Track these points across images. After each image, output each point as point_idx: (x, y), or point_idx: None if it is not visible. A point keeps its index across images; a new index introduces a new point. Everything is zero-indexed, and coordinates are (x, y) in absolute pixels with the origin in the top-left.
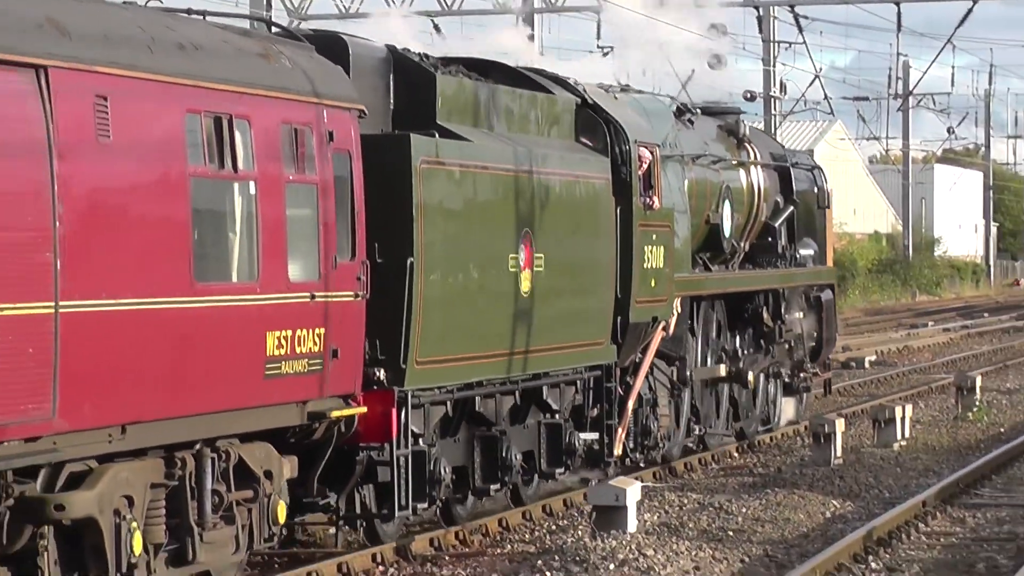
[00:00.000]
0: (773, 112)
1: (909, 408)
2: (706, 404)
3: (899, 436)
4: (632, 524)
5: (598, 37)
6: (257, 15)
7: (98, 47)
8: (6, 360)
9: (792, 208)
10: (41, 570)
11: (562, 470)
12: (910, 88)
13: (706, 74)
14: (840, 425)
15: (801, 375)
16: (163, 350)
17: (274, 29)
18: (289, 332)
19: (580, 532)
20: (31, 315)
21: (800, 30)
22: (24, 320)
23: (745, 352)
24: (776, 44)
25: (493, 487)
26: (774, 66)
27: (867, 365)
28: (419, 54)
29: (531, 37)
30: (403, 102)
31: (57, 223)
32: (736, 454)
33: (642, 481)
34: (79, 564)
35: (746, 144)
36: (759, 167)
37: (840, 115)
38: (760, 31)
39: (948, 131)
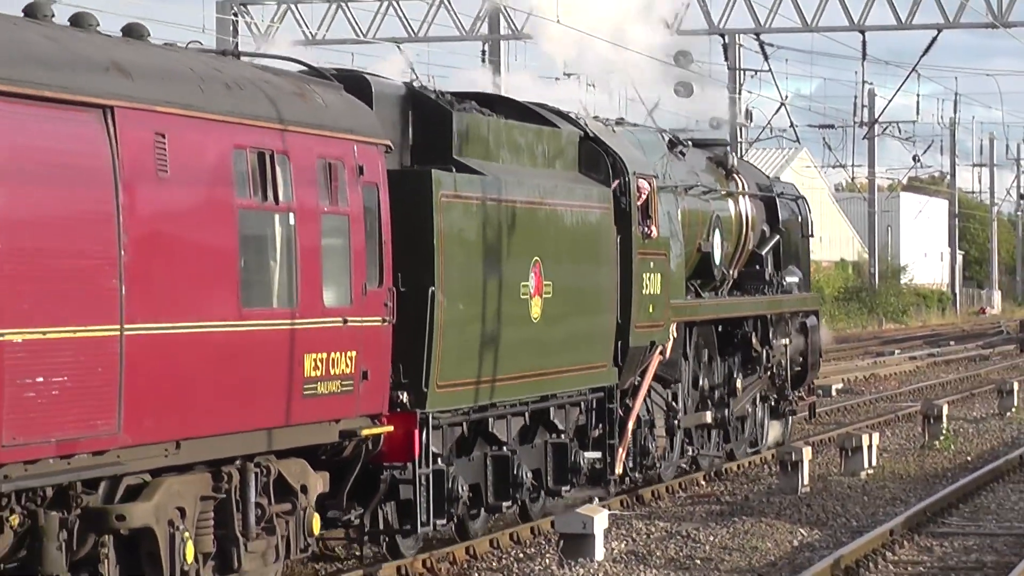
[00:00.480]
0: (739, 140)
1: (876, 436)
2: (698, 429)
3: (866, 464)
4: (599, 552)
5: (564, 64)
6: (287, 56)
7: (156, 87)
8: (79, 379)
9: (778, 237)
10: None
11: (568, 487)
12: (875, 116)
13: (672, 101)
14: (807, 453)
15: (787, 399)
16: (214, 371)
17: (300, 67)
18: (324, 354)
19: (548, 560)
20: (101, 337)
21: (766, 58)
22: (95, 342)
23: (731, 383)
24: (742, 72)
25: (505, 504)
26: (740, 94)
27: (834, 393)
28: (435, 91)
29: (496, 64)
30: (421, 137)
31: (122, 251)
32: (703, 482)
33: (609, 509)
34: (135, 571)
35: (734, 175)
36: (747, 197)
37: (806, 143)
38: (726, 59)
39: (914, 159)
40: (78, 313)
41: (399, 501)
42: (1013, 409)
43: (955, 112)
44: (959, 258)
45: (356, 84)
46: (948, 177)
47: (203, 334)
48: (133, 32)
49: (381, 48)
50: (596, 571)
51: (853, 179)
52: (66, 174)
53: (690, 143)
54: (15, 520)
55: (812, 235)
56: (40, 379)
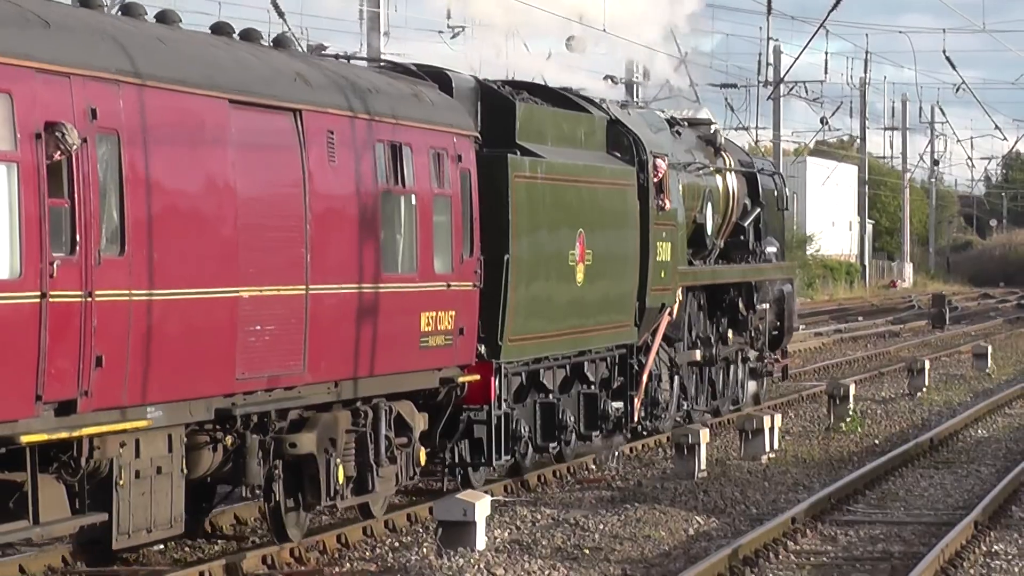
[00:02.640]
0: (634, 98)
1: (778, 418)
2: (692, 384)
3: (767, 448)
4: (481, 541)
5: (448, 17)
6: (375, 58)
7: (327, 94)
8: (280, 328)
9: (759, 209)
10: (275, 493)
11: (597, 432)
12: (781, 75)
13: (564, 55)
14: (704, 436)
15: (764, 360)
16: (361, 324)
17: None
18: (434, 313)
19: (425, 550)
20: (294, 295)
21: None
22: (291, 298)
23: (717, 338)
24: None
25: (552, 444)
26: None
27: None
28: (497, 83)
29: (377, 16)
30: (489, 124)
31: (308, 226)
32: (594, 466)
33: (492, 495)
34: (297, 490)
35: (722, 152)
36: (733, 173)
37: (706, 103)
38: None
39: (821, 122)
40: (281, 275)
41: (472, 440)
42: (924, 389)
43: (866, 72)
44: (869, 228)
45: (439, 79)
46: (858, 141)
47: (356, 294)
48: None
49: None
50: (477, 561)
51: (757, 142)
52: (273, 164)
53: (686, 124)
54: (229, 440)
55: (788, 208)
56: (258, 327)
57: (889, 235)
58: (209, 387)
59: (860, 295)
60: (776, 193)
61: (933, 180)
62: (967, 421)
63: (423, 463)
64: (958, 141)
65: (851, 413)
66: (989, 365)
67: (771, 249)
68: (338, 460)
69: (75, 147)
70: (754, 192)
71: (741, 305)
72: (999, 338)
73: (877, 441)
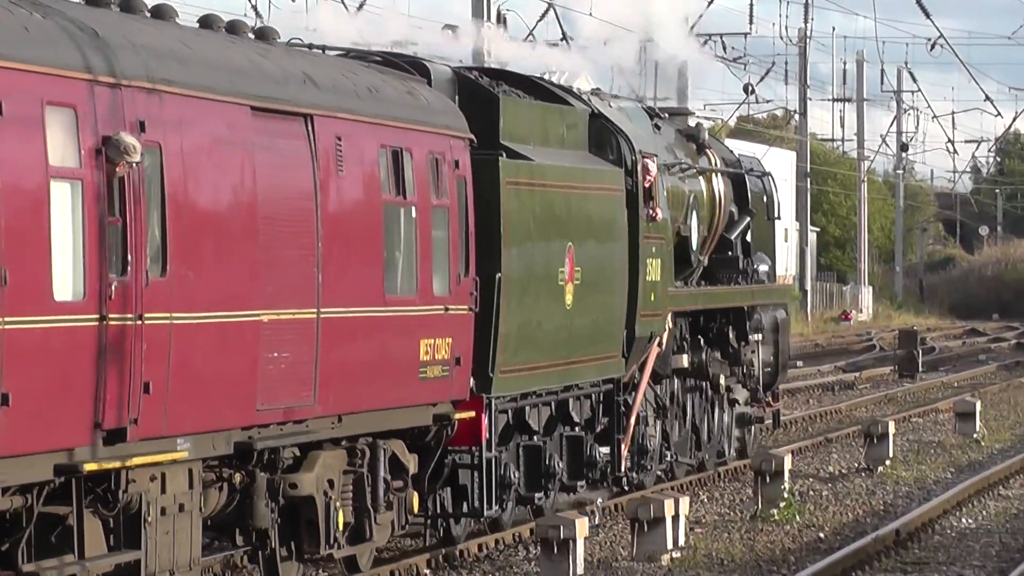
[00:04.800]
0: (485, 55)
1: (685, 502)
2: (675, 430)
3: (670, 544)
4: None
5: None
6: (350, 48)
7: (333, 96)
8: (294, 355)
9: (748, 219)
10: (271, 540)
11: (582, 483)
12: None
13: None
14: (582, 528)
15: (759, 402)
16: (365, 351)
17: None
18: (432, 340)
19: None
20: (306, 319)
21: None
22: (304, 323)
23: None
24: None
25: (537, 495)
26: None
27: None
28: (473, 71)
29: None
30: (468, 122)
31: (319, 243)
32: (427, 571)
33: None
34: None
35: (706, 150)
36: (719, 175)
37: (590, 66)
38: None
39: (745, 90)
40: (295, 297)
41: (456, 486)
42: (887, 463)
43: (806, 21)
44: (811, 238)
45: (417, 69)
46: (796, 117)
47: (361, 318)
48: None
49: None
50: None
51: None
52: (287, 174)
53: (667, 115)
54: (238, 478)
55: (779, 217)
56: (275, 354)
57: (839, 247)
58: (231, 418)
59: (800, 331)
60: (766, 199)
61: (901, 172)
62: (946, 506)
63: (416, 510)
64: (934, 118)
65: (786, 495)
66: (977, 428)
67: (763, 268)
68: (338, 504)
69: (137, 162)
70: (742, 198)
71: (732, 335)
72: (991, 391)
73: (822, 534)
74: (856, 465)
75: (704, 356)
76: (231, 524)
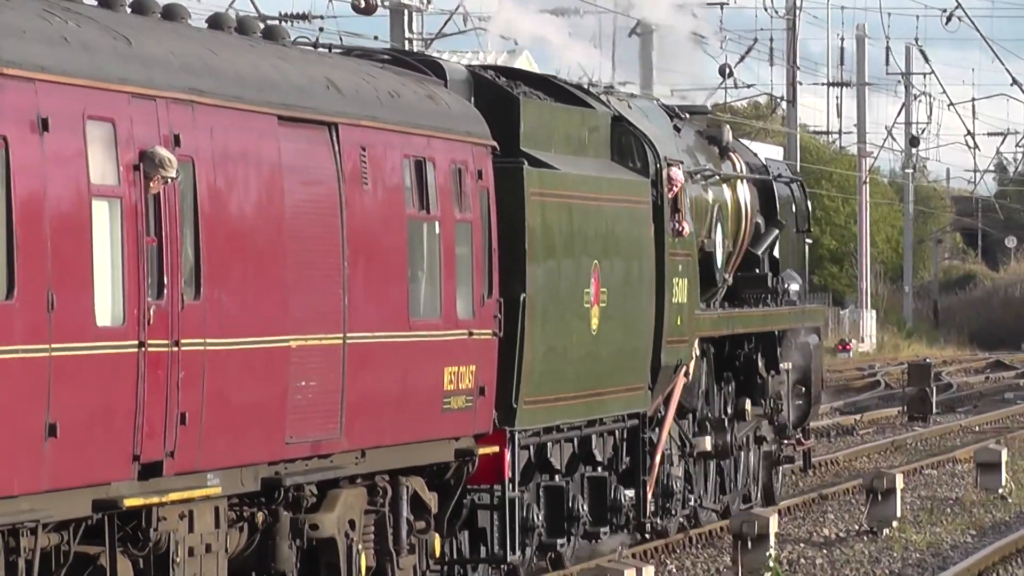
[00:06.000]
0: (407, 35)
1: (649, 573)
2: (700, 471)
3: None
4: None
5: None
6: (358, 47)
7: (357, 103)
8: (321, 384)
9: (776, 232)
10: None
11: (606, 529)
12: None
13: None
14: None
15: (789, 439)
16: (388, 380)
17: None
18: (455, 368)
19: None
20: (332, 345)
21: None
22: (330, 349)
23: (732, 412)
24: None
25: (559, 541)
26: None
27: None
28: (488, 70)
29: None
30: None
31: (345, 263)
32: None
33: None
34: None
35: (730, 154)
36: (745, 183)
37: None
38: None
39: (722, 72)
40: (322, 322)
41: (473, 529)
42: (894, 524)
43: None
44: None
45: (432, 70)
46: (783, 105)
47: (387, 344)
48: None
49: None
50: None
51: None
52: (313, 188)
53: (687, 115)
54: (261, 517)
55: (810, 229)
56: (303, 383)
57: (836, 263)
58: (260, 452)
59: None
60: (795, 209)
61: (911, 171)
62: None
63: (438, 554)
64: (950, 105)
65: (772, 564)
66: (1003, 482)
67: (794, 287)
68: (359, 546)
69: (173, 177)
70: (769, 208)
71: (760, 364)
72: (1020, 436)
73: None
74: (857, 527)
75: (728, 439)
76: (249, 568)
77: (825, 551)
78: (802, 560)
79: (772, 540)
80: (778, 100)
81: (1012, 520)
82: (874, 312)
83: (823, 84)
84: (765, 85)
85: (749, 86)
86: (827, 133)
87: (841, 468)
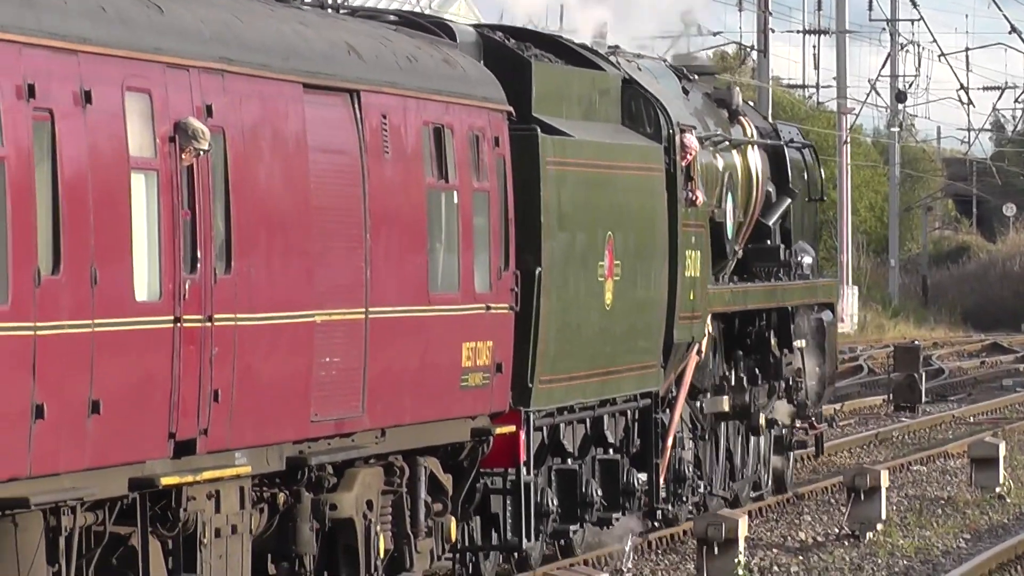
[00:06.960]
0: None
1: None
2: (708, 459)
3: None
4: None
5: None
6: (367, 8)
7: (378, 69)
8: (344, 360)
9: (788, 201)
10: (306, 570)
11: (619, 514)
12: None
13: None
14: None
15: (805, 420)
16: (407, 357)
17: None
18: (473, 344)
19: None
20: (355, 320)
21: None
22: (352, 324)
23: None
24: None
25: (572, 527)
26: None
27: None
28: (496, 30)
29: None
30: None
31: (367, 234)
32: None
33: None
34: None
35: (739, 118)
36: (756, 148)
37: None
38: None
39: (685, 20)
40: (345, 296)
41: (486, 515)
42: (879, 526)
43: None
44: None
45: (441, 30)
46: (753, 55)
47: (407, 319)
48: None
49: None
50: None
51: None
52: (336, 158)
53: (695, 77)
54: (282, 498)
55: (823, 198)
56: (327, 359)
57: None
58: (285, 431)
59: None
60: (807, 176)
61: (897, 130)
62: None
63: (454, 538)
64: (941, 56)
65: (740, 572)
66: (1001, 479)
67: (807, 260)
68: (378, 528)
69: (206, 149)
70: (780, 175)
71: (773, 342)
72: (1019, 428)
73: None
74: (837, 531)
75: (747, 399)
76: (267, 551)
77: (801, 557)
78: (775, 567)
79: (741, 545)
80: (748, 50)
81: (1010, 522)
82: (856, 288)
83: (798, 32)
84: (733, 33)
85: (716, 34)
86: (803, 87)
87: (819, 464)
